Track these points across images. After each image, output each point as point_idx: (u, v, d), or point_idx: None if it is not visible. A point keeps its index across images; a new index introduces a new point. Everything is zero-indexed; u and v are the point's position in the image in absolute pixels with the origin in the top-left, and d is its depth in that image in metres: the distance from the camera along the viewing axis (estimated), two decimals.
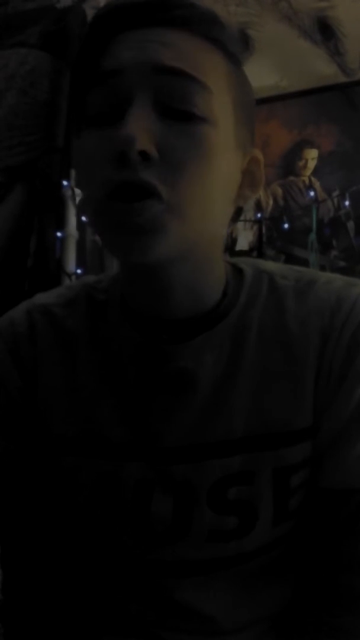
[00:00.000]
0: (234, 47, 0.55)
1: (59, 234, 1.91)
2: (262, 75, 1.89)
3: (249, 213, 2.18)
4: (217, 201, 0.54)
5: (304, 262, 2.12)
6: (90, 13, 2.12)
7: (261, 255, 2.00)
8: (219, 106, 0.52)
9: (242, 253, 2.14)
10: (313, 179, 2.23)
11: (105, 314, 0.63)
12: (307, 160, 2.24)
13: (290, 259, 2.15)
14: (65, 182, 1.92)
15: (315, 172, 2.23)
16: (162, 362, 0.59)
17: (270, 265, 0.65)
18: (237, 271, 0.63)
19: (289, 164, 2.24)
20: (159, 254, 0.51)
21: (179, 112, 0.51)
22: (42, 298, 0.66)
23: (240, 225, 2.19)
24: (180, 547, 0.60)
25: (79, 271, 1.91)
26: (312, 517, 0.61)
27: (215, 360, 0.59)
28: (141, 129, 0.49)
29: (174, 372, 0.59)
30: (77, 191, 1.93)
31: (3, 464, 0.65)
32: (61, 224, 1.91)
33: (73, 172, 1.93)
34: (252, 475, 0.58)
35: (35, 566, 0.67)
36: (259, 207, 2.22)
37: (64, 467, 0.62)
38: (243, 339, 0.59)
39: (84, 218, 1.98)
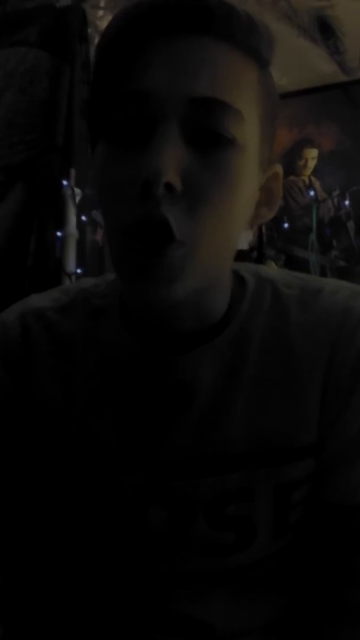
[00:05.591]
0: (268, 53, 0.52)
1: (58, 234, 1.90)
2: None
3: None
4: (236, 230, 0.53)
5: (304, 262, 2.12)
6: (90, 12, 2.11)
7: (261, 255, 2.00)
8: (249, 129, 0.50)
9: (242, 253, 2.13)
10: (313, 178, 2.22)
11: (103, 321, 0.60)
12: (307, 160, 2.23)
13: (291, 259, 2.15)
14: (65, 182, 1.91)
15: (316, 171, 2.22)
16: (160, 374, 0.57)
17: (272, 273, 0.62)
18: (239, 280, 0.60)
19: (289, 164, 2.23)
20: (177, 299, 0.49)
21: (207, 135, 0.48)
22: (36, 301, 0.63)
23: None
24: (176, 560, 0.59)
25: (78, 271, 1.90)
26: (318, 533, 0.60)
27: (214, 372, 0.56)
28: (169, 159, 0.46)
29: (172, 384, 0.57)
30: (77, 190, 1.93)
31: (1, 468, 0.64)
32: (61, 224, 1.91)
33: (73, 172, 1.92)
34: (252, 491, 0.57)
35: (34, 568, 0.66)
36: None
37: (60, 476, 0.61)
38: (244, 350, 0.57)
39: (83, 218, 1.98)
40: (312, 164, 2.23)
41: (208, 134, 0.48)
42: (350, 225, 2.12)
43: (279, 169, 0.57)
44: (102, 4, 2.31)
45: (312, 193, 2.18)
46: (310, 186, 2.21)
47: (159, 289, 0.48)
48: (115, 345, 0.59)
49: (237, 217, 0.52)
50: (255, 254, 2.02)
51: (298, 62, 2.18)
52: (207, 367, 0.56)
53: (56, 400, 0.60)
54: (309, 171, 2.23)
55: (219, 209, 0.49)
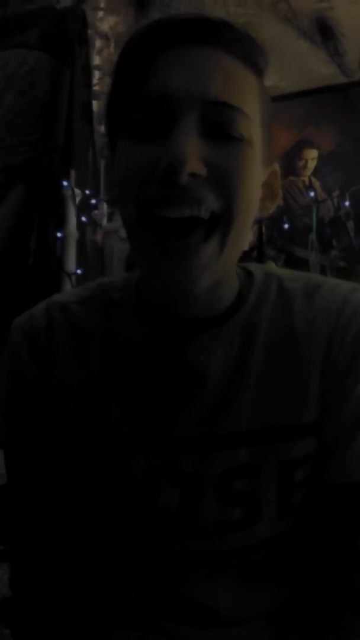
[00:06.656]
0: (263, 64, 0.59)
1: (59, 234, 1.91)
2: None
3: None
4: (252, 216, 0.58)
5: (304, 262, 2.13)
6: (90, 14, 2.12)
7: (261, 254, 2.01)
8: (254, 129, 0.56)
9: (242, 253, 2.13)
10: (313, 179, 2.23)
11: (119, 310, 0.66)
12: (307, 161, 2.24)
13: (291, 259, 2.15)
14: (65, 182, 1.92)
15: (315, 172, 2.23)
16: (173, 356, 0.62)
17: (278, 270, 0.68)
18: (247, 273, 0.66)
19: (289, 164, 2.24)
20: (204, 286, 0.55)
21: (220, 133, 0.54)
22: (60, 296, 0.70)
23: None
24: (186, 538, 0.62)
25: (78, 271, 1.91)
26: (320, 514, 0.63)
27: (225, 356, 0.61)
28: (190, 149, 0.52)
29: (185, 365, 0.61)
30: (77, 191, 1.93)
31: (16, 455, 0.68)
32: (61, 224, 1.92)
33: (73, 173, 1.93)
34: (258, 467, 0.61)
35: (42, 559, 0.69)
36: None
37: (76, 457, 0.65)
38: (252, 336, 0.62)
39: (83, 218, 1.99)
40: (311, 164, 2.23)
41: (220, 132, 0.54)
42: (350, 225, 2.13)
43: (276, 166, 0.63)
44: (102, 5, 2.32)
45: (312, 193, 2.19)
46: (310, 186, 2.21)
47: (189, 277, 0.54)
48: (130, 333, 0.64)
49: (253, 204, 0.57)
50: (255, 253, 2.02)
51: (298, 64, 2.18)
52: (217, 350, 0.61)
53: (75, 384, 0.65)
54: (308, 172, 2.24)
55: (240, 190, 0.54)
